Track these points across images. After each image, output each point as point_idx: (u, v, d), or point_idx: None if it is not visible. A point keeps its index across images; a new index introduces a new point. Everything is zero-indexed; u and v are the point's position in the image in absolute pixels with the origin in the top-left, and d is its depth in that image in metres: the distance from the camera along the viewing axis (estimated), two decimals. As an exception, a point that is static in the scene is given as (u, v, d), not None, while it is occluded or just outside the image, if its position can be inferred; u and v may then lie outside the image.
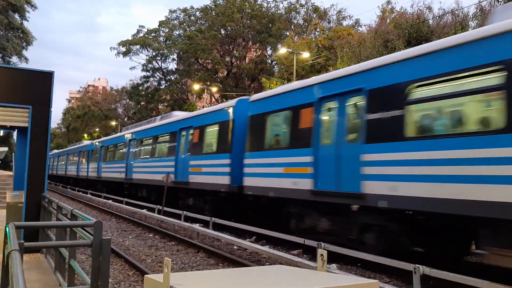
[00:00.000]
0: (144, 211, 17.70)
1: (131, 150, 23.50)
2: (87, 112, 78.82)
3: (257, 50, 54.77)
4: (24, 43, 43.67)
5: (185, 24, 56.66)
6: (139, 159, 22.00)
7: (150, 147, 20.85)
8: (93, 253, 4.46)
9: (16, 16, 41.95)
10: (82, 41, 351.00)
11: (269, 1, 52.05)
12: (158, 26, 57.18)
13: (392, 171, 8.10)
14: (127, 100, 72.86)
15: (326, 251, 2.82)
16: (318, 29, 46.13)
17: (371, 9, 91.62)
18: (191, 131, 16.64)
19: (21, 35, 42.72)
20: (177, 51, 56.34)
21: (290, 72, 35.41)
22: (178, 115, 19.75)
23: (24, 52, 43.91)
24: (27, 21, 43.07)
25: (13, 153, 27.79)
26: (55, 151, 58.74)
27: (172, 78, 59.91)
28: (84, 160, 34.59)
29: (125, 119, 74.90)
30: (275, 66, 48.84)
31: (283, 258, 8.52)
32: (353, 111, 9.35)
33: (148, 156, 20.77)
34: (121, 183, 24.34)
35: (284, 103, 11.45)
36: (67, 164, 42.70)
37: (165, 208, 16.79)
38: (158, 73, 60.55)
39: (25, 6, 41.40)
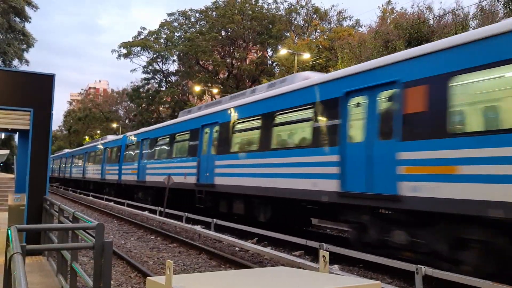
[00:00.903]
0: (146, 213, 17.73)
1: (208, 140, 15.60)
2: (88, 115, 78.96)
3: (258, 51, 54.75)
4: (25, 46, 43.74)
5: (185, 26, 56.73)
6: (229, 153, 13.99)
7: (259, 132, 12.64)
8: (95, 256, 4.47)
9: (17, 19, 42.00)
10: (82, 42, 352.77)
11: (269, 3, 52.21)
12: (159, 27, 57.27)
13: None
14: (128, 102, 72.95)
15: (328, 252, 2.81)
16: (318, 30, 46.13)
17: (371, 9, 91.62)
18: (394, 93, 8.28)
19: (22, 38, 42.78)
20: (177, 52, 56.41)
21: (291, 73, 35.43)
22: (310, 76, 11.77)
23: (25, 54, 44.03)
24: (29, 22, 43.14)
25: (14, 156, 27.88)
26: (67, 150, 50.66)
27: (173, 80, 59.95)
28: (114, 160, 27.16)
29: (126, 121, 75.08)
30: (276, 67, 48.83)
31: (285, 259, 8.52)
32: None
33: (255, 148, 12.75)
34: (186, 190, 16.83)
35: None
36: (86, 166, 34.95)
37: (166, 210, 16.80)
38: (158, 75, 60.60)
39: (26, 7, 41.38)
